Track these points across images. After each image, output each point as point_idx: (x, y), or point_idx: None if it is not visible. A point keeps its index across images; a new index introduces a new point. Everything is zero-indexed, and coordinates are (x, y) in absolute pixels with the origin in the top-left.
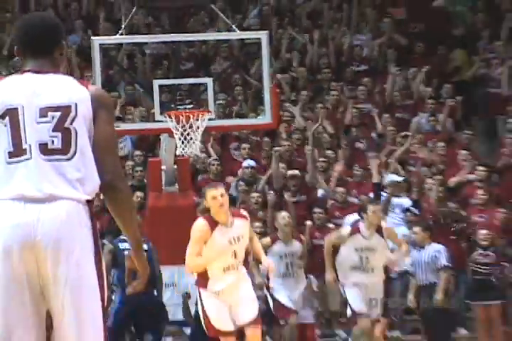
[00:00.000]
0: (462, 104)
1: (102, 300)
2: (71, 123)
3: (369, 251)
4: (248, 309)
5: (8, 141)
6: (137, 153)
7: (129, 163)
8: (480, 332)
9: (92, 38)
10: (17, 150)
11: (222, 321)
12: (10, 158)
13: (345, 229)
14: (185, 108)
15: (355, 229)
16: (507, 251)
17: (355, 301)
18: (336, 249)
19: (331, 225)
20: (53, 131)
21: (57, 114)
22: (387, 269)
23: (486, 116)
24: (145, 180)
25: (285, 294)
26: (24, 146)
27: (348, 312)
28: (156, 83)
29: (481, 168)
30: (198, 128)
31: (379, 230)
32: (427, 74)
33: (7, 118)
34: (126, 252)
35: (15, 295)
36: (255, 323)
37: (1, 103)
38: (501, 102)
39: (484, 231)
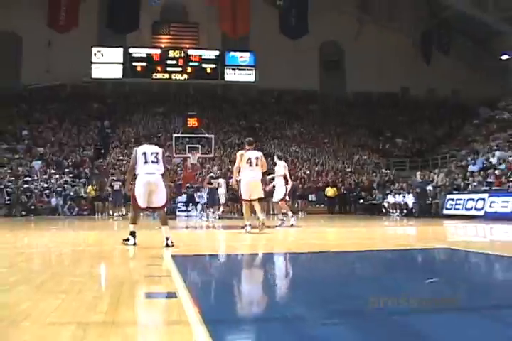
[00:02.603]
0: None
1: (167, 196)
2: (158, 156)
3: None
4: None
5: (143, 160)
6: (181, 163)
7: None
8: None
9: (174, 135)
10: (146, 161)
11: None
12: (144, 163)
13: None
14: (193, 151)
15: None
16: None
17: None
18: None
19: None
20: (154, 157)
21: (155, 153)
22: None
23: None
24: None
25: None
26: (147, 160)
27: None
28: (187, 145)
29: None
30: (196, 156)
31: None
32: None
33: (144, 154)
34: None
35: (145, 194)
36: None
37: (143, 151)
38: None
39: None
